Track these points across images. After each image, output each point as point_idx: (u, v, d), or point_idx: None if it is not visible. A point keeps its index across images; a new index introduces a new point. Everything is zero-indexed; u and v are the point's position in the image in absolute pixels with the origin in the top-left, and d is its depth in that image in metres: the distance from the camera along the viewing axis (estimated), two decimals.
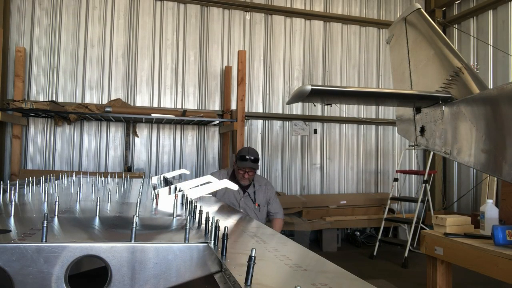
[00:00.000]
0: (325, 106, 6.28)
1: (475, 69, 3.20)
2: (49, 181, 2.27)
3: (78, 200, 1.58)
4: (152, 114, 5.30)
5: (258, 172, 4.03)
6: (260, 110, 6.45)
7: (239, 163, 3.62)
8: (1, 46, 5.03)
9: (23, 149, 5.46)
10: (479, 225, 2.84)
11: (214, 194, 3.41)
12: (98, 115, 5.28)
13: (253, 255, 0.69)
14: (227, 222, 1.41)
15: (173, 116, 5.40)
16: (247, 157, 3.58)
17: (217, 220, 1.00)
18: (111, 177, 3.09)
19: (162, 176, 2.88)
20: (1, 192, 1.66)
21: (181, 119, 5.50)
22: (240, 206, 3.65)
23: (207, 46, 6.24)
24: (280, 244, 1.06)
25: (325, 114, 6.65)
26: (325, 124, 6.75)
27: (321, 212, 6.14)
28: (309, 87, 2.88)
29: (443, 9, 7.14)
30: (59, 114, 5.25)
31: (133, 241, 0.91)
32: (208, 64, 6.24)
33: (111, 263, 0.88)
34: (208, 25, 6.26)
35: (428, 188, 5.79)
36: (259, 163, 3.80)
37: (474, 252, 2.51)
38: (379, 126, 7.03)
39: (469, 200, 6.49)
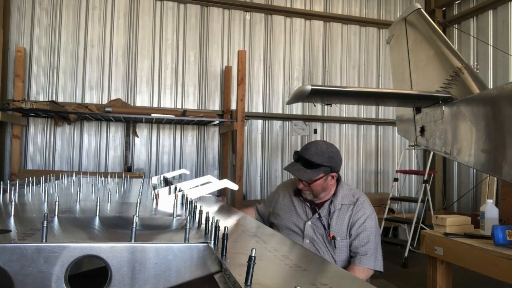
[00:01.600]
0: (325, 106, 6.28)
1: (475, 69, 3.20)
2: (49, 181, 2.27)
3: (78, 200, 1.58)
4: (152, 114, 5.30)
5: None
6: (260, 110, 6.45)
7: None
8: (1, 46, 5.03)
9: (23, 149, 5.46)
10: (479, 225, 2.84)
11: (268, 212, 2.50)
12: (98, 115, 5.28)
13: (253, 255, 0.69)
14: (227, 222, 1.41)
15: (173, 116, 5.40)
16: (296, 155, 2.29)
17: (217, 220, 1.00)
18: (111, 177, 3.09)
19: (162, 176, 2.88)
20: (1, 192, 1.66)
21: (181, 119, 5.50)
22: (305, 234, 2.27)
23: (207, 46, 6.24)
24: (280, 244, 1.06)
25: (325, 114, 6.65)
26: (325, 124, 6.75)
27: None
28: (309, 87, 2.88)
29: (443, 9, 7.14)
30: (59, 114, 5.25)
31: (133, 241, 0.91)
32: (208, 64, 6.24)
33: (111, 263, 0.88)
34: (208, 25, 6.26)
35: (428, 188, 5.80)
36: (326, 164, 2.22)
37: (474, 252, 2.51)
38: (379, 126, 7.03)
39: (469, 200, 6.49)
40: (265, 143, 6.46)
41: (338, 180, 2.33)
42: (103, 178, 2.84)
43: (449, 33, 7.02)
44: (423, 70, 3.54)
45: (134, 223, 0.92)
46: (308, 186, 2.24)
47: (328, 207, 2.26)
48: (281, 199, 2.47)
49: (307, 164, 2.19)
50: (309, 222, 2.28)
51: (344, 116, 6.59)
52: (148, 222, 1.31)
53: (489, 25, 6.27)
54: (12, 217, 1.17)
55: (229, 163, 6.10)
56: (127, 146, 5.84)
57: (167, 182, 2.60)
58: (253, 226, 1.39)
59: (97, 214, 1.25)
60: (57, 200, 1.24)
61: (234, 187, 1.99)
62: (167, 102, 6.05)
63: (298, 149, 2.30)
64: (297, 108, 6.61)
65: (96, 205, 1.26)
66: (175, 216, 1.33)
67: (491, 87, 3.88)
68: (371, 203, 2.33)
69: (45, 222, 0.87)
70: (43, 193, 1.79)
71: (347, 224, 2.22)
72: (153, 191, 1.88)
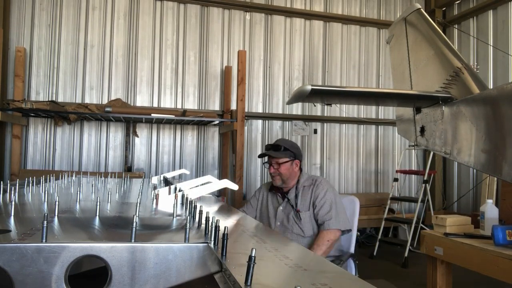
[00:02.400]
0: (325, 106, 6.28)
1: (475, 69, 3.20)
2: (49, 181, 2.27)
3: (78, 200, 1.58)
4: (152, 114, 5.30)
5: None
6: (260, 110, 6.45)
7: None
8: (1, 46, 5.03)
9: (23, 149, 5.46)
10: (479, 225, 2.84)
11: (253, 212, 2.98)
12: (98, 115, 5.28)
13: (253, 255, 0.69)
14: (227, 222, 1.41)
15: (173, 116, 5.40)
16: (268, 145, 2.87)
17: (217, 220, 1.00)
18: (111, 177, 3.09)
19: (162, 176, 2.89)
20: (1, 192, 1.66)
21: (181, 119, 5.50)
22: (277, 218, 2.79)
23: (207, 46, 6.24)
24: (280, 244, 1.07)
25: (325, 114, 6.65)
26: (325, 124, 6.75)
27: None
28: (309, 87, 2.88)
29: (443, 9, 7.14)
30: (59, 114, 5.25)
31: (133, 241, 0.91)
32: (208, 64, 6.24)
33: (111, 263, 0.88)
34: (208, 25, 6.26)
35: (428, 188, 5.79)
36: (292, 154, 2.79)
37: (474, 252, 2.51)
38: (379, 126, 7.03)
39: (469, 200, 6.49)
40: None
41: (301, 170, 2.88)
42: (103, 178, 2.84)
43: (449, 33, 7.02)
44: (423, 70, 3.54)
45: (134, 223, 0.92)
46: (277, 170, 2.77)
47: (295, 191, 2.77)
48: (261, 198, 3.03)
49: (276, 148, 2.77)
50: (280, 207, 2.80)
51: (344, 116, 6.59)
52: (148, 222, 1.31)
53: (489, 25, 6.26)
54: (12, 217, 1.17)
55: (229, 163, 6.10)
56: (127, 146, 5.84)
57: (167, 182, 2.60)
58: (253, 226, 1.39)
59: (97, 214, 1.25)
60: (57, 200, 1.24)
61: (234, 187, 1.99)
62: (167, 102, 6.05)
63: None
64: (297, 108, 6.61)
65: (96, 205, 1.27)
66: (175, 216, 1.33)
67: (491, 87, 3.88)
68: (329, 182, 2.88)
69: (45, 222, 0.87)
70: (43, 193, 1.79)
71: (309, 199, 2.72)
72: (153, 191, 1.88)
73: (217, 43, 6.28)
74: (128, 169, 5.74)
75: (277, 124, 6.52)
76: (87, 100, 5.71)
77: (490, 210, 2.78)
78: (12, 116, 5.15)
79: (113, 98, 5.78)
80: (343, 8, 6.92)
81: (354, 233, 2.82)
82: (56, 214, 1.21)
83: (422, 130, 3.41)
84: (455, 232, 2.82)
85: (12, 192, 1.55)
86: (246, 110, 5.67)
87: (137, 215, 1.03)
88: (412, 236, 5.37)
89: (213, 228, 0.98)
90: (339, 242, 2.76)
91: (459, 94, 3.02)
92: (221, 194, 5.62)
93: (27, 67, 5.52)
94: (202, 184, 2.01)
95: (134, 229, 0.92)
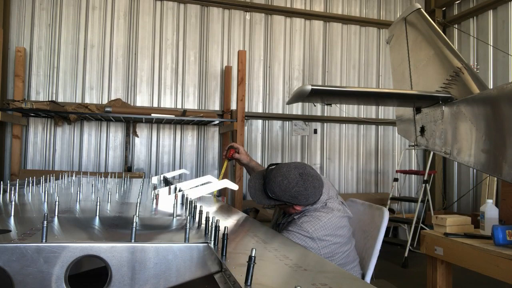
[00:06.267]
0: (325, 106, 6.28)
1: (475, 69, 3.20)
2: (49, 181, 2.27)
3: (78, 200, 1.58)
4: (152, 114, 5.30)
5: None
6: (260, 110, 6.45)
7: None
8: (1, 46, 5.02)
9: (23, 149, 5.46)
10: (479, 225, 2.84)
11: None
12: (98, 115, 5.28)
13: (253, 255, 0.69)
14: (227, 222, 1.41)
15: (173, 116, 5.40)
16: (266, 171, 2.09)
17: (217, 220, 1.00)
18: (111, 177, 3.09)
19: (162, 176, 2.89)
20: (1, 192, 1.66)
21: (181, 119, 5.50)
22: (273, 228, 2.26)
23: (207, 46, 6.24)
24: (280, 244, 1.06)
25: (325, 114, 6.65)
26: (325, 124, 6.75)
27: None
28: (309, 87, 2.88)
29: (443, 9, 7.14)
30: (59, 114, 5.25)
31: (133, 241, 0.91)
32: (208, 64, 6.24)
33: (111, 263, 0.88)
34: (208, 25, 6.26)
35: (428, 188, 5.79)
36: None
37: (474, 252, 2.51)
38: (379, 126, 7.03)
39: (469, 200, 6.49)
40: (265, 143, 6.46)
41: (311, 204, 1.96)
42: (103, 178, 2.84)
43: (449, 33, 7.02)
44: (423, 70, 3.54)
45: (134, 223, 0.92)
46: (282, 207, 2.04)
47: (288, 218, 2.01)
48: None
49: (265, 190, 1.89)
50: (275, 225, 2.18)
51: (344, 116, 6.59)
52: (148, 222, 1.31)
53: (489, 25, 6.26)
54: (12, 217, 1.17)
55: (229, 163, 6.09)
56: (127, 146, 5.83)
57: (167, 182, 2.60)
58: (253, 226, 1.39)
59: (97, 214, 1.25)
60: (57, 200, 1.24)
61: (234, 187, 1.99)
62: (167, 102, 6.05)
63: (277, 162, 2.07)
64: (297, 108, 6.61)
65: (96, 205, 1.27)
66: (175, 216, 1.33)
67: (491, 87, 3.88)
68: (323, 229, 1.87)
69: (45, 222, 0.87)
70: (43, 193, 1.79)
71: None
72: (153, 191, 1.88)
73: (217, 43, 6.28)
74: (128, 169, 5.74)
75: (277, 124, 6.52)
76: (87, 100, 5.71)
77: (490, 210, 2.78)
78: (12, 116, 5.15)
79: (113, 98, 5.78)
80: (343, 8, 6.92)
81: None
82: (56, 214, 1.21)
83: (422, 130, 3.41)
84: (455, 232, 2.82)
85: (12, 192, 1.55)
86: (246, 110, 5.67)
87: (137, 215, 1.03)
88: (412, 236, 5.37)
89: (213, 228, 0.98)
90: None
91: (459, 94, 3.02)
92: (221, 194, 5.63)
93: (27, 67, 5.52)
94: (202, 184, 2.01)
95: (134, 229, 0.92)
